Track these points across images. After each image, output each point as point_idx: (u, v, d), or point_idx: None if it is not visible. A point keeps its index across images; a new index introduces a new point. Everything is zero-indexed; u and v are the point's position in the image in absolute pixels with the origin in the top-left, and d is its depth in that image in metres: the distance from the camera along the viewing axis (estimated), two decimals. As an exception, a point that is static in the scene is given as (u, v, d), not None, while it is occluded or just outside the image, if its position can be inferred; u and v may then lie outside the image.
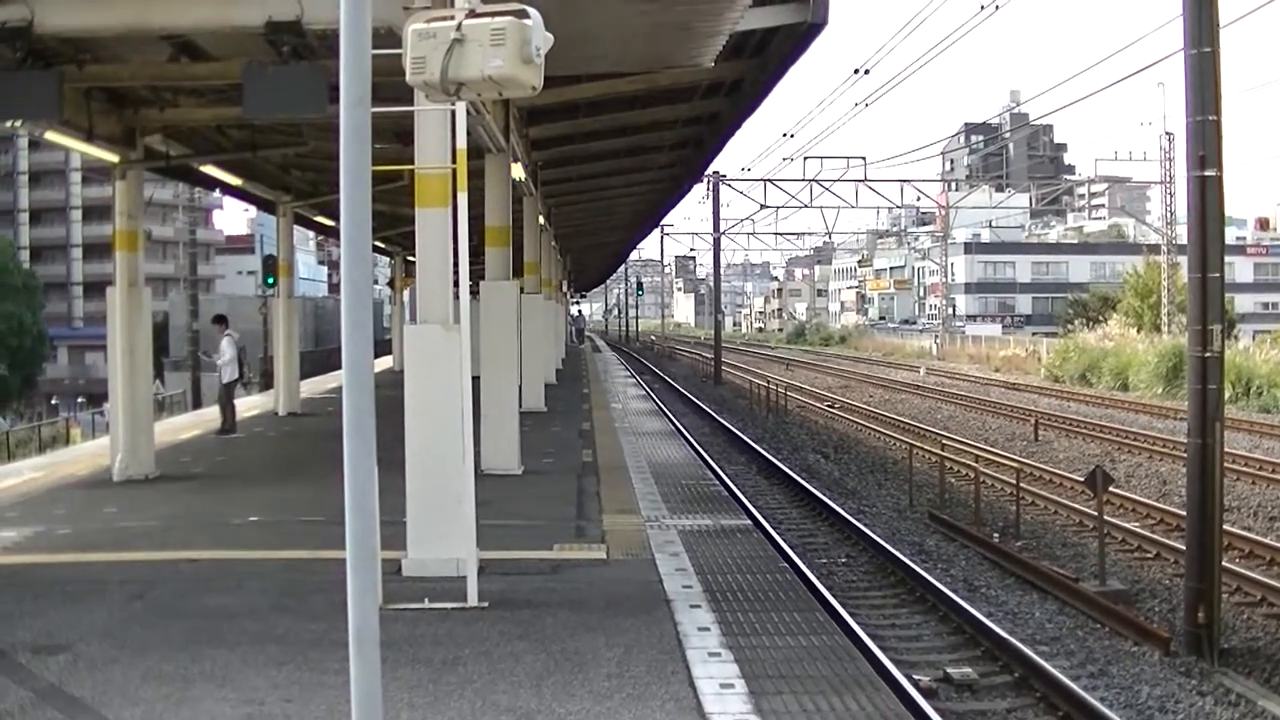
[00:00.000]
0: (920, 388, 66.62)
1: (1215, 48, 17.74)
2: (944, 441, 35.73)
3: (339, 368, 6.37)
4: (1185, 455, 19.71)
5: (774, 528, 23.75)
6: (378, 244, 46.92)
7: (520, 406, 23.77)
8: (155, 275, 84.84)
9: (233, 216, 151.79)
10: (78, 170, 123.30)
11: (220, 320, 31.30)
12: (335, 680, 8.99)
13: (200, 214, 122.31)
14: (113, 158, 21.45)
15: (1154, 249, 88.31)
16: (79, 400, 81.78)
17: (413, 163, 14.13)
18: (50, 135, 20.16)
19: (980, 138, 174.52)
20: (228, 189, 34.92)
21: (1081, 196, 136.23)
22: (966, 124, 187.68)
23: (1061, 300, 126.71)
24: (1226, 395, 21.87)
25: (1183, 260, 41.89)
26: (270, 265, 41.80)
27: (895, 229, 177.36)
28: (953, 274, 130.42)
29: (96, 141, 20.41)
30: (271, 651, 10.72)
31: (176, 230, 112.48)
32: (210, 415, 31.50)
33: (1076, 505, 27.16)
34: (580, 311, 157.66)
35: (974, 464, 28.85)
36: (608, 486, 20.97)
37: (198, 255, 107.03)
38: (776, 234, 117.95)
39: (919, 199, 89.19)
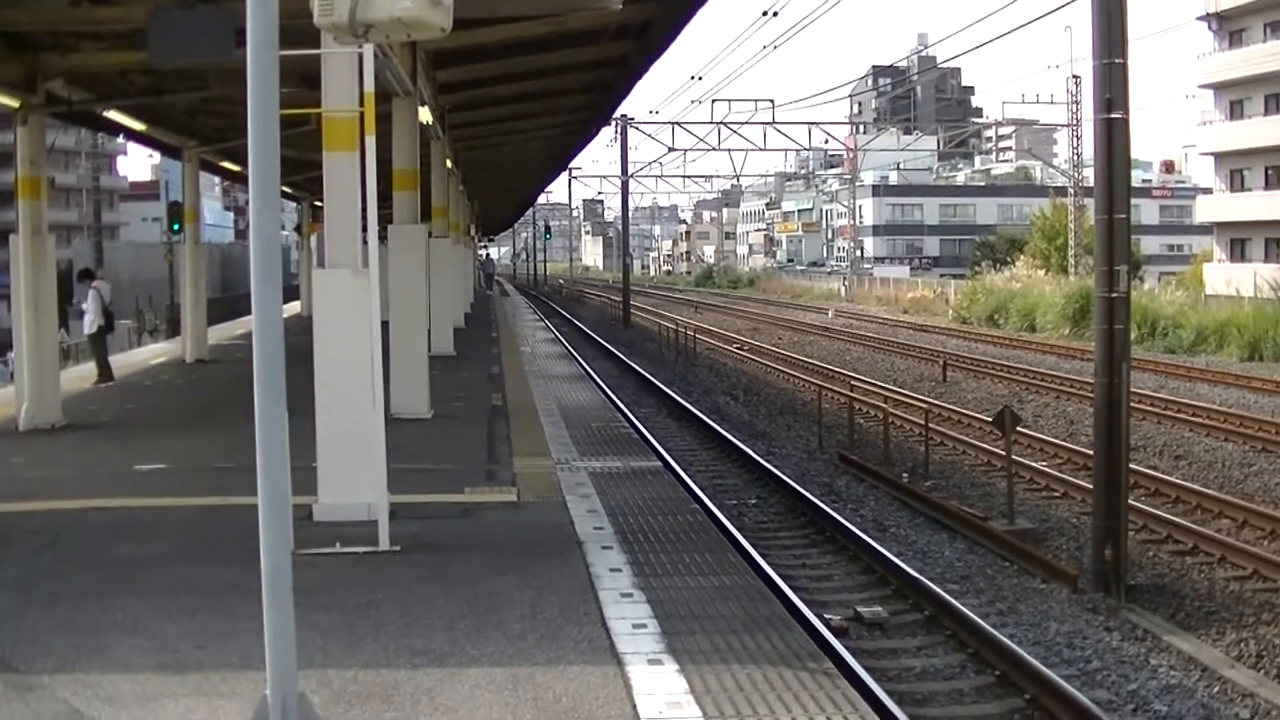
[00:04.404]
0: (829, 330, 66.84)
1: (1121, -9, 17.84)
2: (853, 383, 35.87)
3: (247, 314, 6.36)
4: (1092, 395, 19.91)
5: (684, 469, 23.78)
6: (285, 189, 46.46)
7: (429, 351, 23.71)
8: (59, 223, 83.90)
9: (137, 163, 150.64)
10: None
11: (86, 275, 31.00)
12: (249, 626, 8.96)
13: (104, 160, 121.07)
14: (13, 103, 21.14)
15: (1061, 191, 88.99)
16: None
17: (320, 106, 14.04)
18: (-52, 80, 19.87)
19: (888, 80, 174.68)
20: (132, 135, 34.50)
21: (989, 139, 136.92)
22: (874, 67, 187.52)
23: (969, 242, 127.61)
24: (1133, 336, 22.11)
25: (1089, 202, 42.24)
26: (176, 212, 41.29)
27: (803, 172, 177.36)
28: (861, 216, 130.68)
29: (-4, 87, 20.13)
30: (184, 600, 10.69)
31: (80, 177, 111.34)
32: (117, 364, 31.21)
33: (985, 445, 27.37)
34: (489, 255, 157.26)
35: (883, 405, 29.02)
36: (518, 430, 21.00)
37: (102, 202, 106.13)
38: (684, 177, 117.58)
39: (827, 141, 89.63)
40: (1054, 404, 35.63)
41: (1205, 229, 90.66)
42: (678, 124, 78.55)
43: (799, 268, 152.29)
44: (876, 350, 54.95)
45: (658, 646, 9.45)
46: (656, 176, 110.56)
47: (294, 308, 51.75)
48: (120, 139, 65.30)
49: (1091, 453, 19.64)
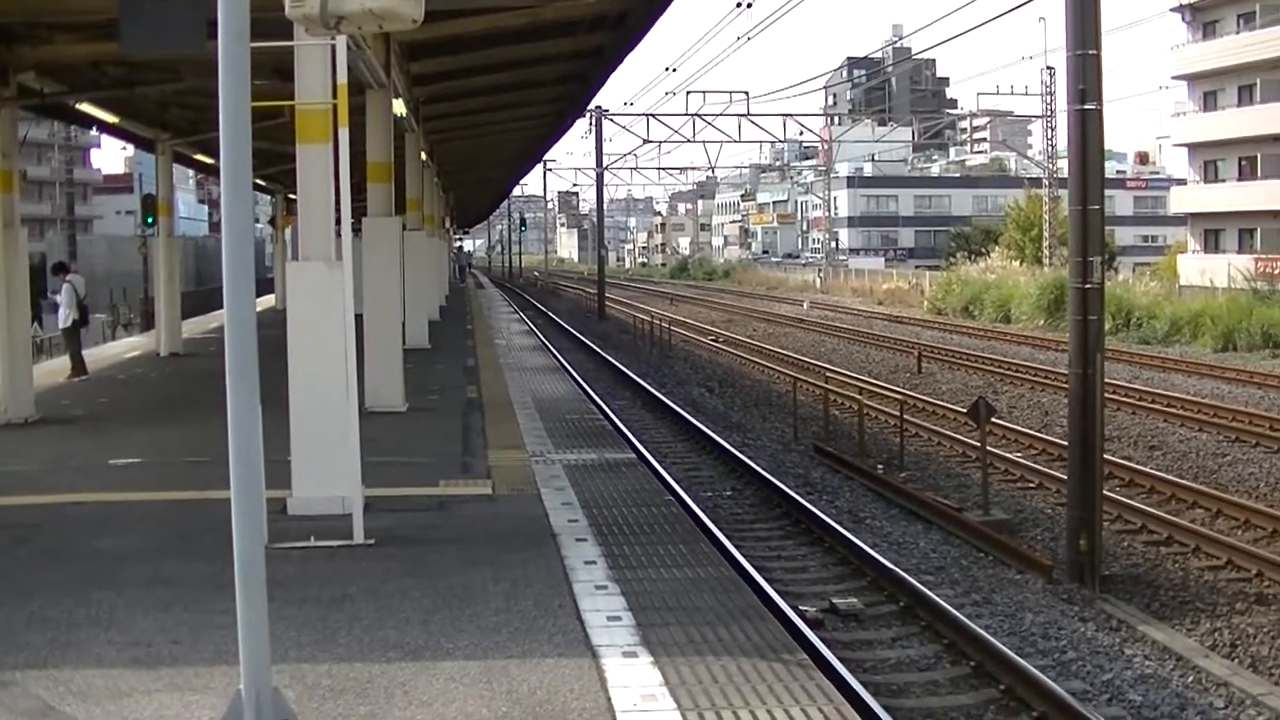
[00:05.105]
0: (804, 321, 66.83)
1: (1095, -18, 17.87)
2: (828, 374, 35.92)
3: (221, 307, 6.34)
4: (1067, 386, 19.97)
5: (659, 461, 23.77)
6: (259, 182, 46.48)
7: (404, 344, 23.71)
8: (31, 216, 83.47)
9: (110, 155, 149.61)
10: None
11: (60, 269, 30.98)
12: (223, 620, 8.94)
13: (77, 153, 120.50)
14: (-15, 95, 21.09)
15: (1035, 182, 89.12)
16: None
17: (293, 99, 14.01)
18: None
19: (863, 72, 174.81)
20: (105, 127, 34.43)
21: (964, 130, 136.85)
22: (849, 58, 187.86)
23: (944, 233, 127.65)
24: (1107, 327, 22.12)
25: (1064, 193, 42.34)
26: (150, 205, 41.27)
27: (778, 163, 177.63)
28: (836, 208, 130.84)
29: (-34, 79, 20.04)
30: (159, 594, 10.66)
31: (53, 170, 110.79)
32: (91, 358, 31.16)
33: (960, 436, 27.37)
34: (463, 248, 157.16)
35: (858, 396, 29.02)
36: (493, 423, 20.99)
37: (75, 195, 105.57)
38: (660, 169, 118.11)
39: (802, 133, 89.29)
40: (1029, 395, 35.68)
41: (1179, 220, 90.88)
42: (653, 116, 78.42)
43: (774, 259, 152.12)
44: (851, 342, 54.97)
45: (633, 639, 9.45)
46: (631, 168, 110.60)
47: (268, 301, 51.61)
48: (94, 132, 64.93)
49: (1066, 443, 19.69)
